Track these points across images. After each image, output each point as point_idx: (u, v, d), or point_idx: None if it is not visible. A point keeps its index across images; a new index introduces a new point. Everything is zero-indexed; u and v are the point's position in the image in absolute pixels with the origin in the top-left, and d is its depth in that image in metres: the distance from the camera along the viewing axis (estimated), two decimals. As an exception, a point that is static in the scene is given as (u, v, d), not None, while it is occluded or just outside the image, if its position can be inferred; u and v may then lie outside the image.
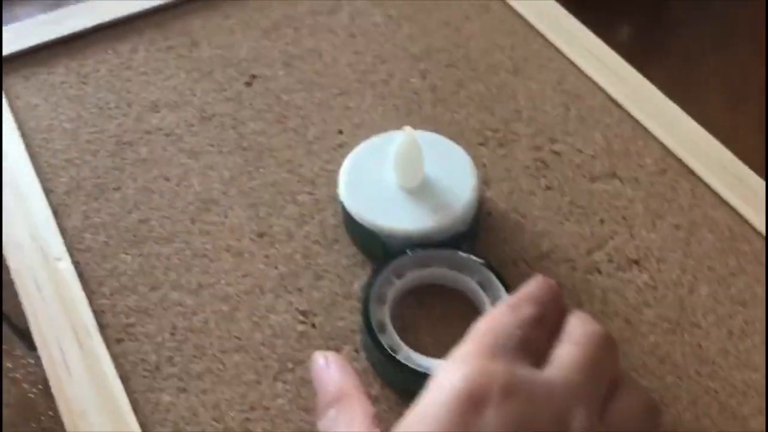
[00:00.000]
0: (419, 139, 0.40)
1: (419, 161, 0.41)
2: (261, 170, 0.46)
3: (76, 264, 0.42)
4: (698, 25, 0.58)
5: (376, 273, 0.39)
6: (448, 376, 0.26)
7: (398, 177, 0.41)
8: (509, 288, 0.38)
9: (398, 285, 0.39)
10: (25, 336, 0.40)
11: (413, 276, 0.40)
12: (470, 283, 0.39)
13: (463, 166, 0.42)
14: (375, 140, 0.44)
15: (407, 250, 0.39)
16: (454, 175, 0.42)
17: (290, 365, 0.38)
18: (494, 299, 0.39)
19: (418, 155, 0.40)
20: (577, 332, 0.28)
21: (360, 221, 0.40)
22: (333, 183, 0.46)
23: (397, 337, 0.37)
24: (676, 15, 0.60)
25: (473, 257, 0.39)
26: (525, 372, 0.26)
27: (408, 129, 0.40)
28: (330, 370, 0.31)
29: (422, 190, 0.41)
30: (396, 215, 0.40)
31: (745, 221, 0.44)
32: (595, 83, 0.51)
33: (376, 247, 0.41)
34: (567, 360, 0.27)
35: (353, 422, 0.28)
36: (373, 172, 0.42)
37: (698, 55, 0.55)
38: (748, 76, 0.53)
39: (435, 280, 0.40)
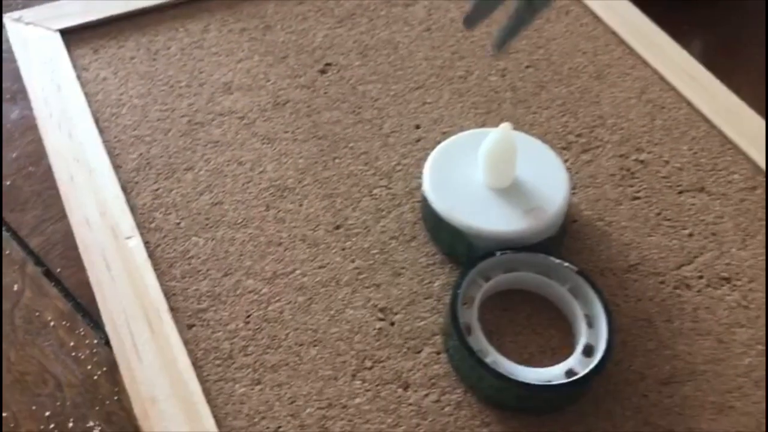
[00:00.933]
0: (515, 138, 0.38)
1: (512, 161, 0.39)
2: (336, 160, 0.45)
3: (146, 244, 0.40)
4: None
5: (463, 275, 0.37)
6: None
7: (488, 176, 0.39)
8: (602, 296, 0.37)
9: (485, 288, 0.37)
10: (88, 313, 0.39)
11: (501, 279, 0.38)
12: (560, 290, 0.38)
13: (555, 170, 0.40)
14: (461, 136, 0.42)
15: (496, 252, 0.37)
16: (546, 177, 0.40)
17: (369, 363, 0.37)
18: (586, 308, 0.37)
19: (512, 155, 0.39)
20: None
21: (446, 219, 0.39)
22: (409, 178, 0.44)
23: (485, 341, 0.35)
24: (757, 28, 0.58)
25: (566, 263, 0.37)
26: None
27: (504, 125, 0.38)
28: None
29: (512, 191, 0.39)
30: (485, 215, 0.38)
31: (840, 245, 0.43)
32: (680, 94, 0.50)
33: (460, 247, 0.39)
34: None
35: None
36: (459, 169, 0.40)
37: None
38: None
39: (523, 284, 0.38)
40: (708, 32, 0.59)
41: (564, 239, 0.42)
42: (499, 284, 0.38)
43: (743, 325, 0.39)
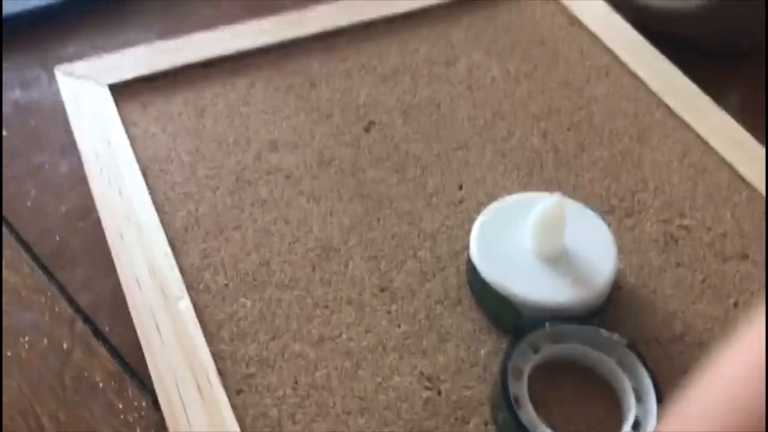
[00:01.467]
0: (566, 206, 0.39)
1: (562, 230, 0.39)
2: (381, 221, 0.45)
3: (195, 305, 0.40)
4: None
5: (512, 345, 0.37)
6: None
7: (536, 244, 0.40)
8: (650, 370, 0.36)
9: (534, 359, 0.37)
10: (136, 375, 0.39)
11: (549, 351, 0.38)
12: (608, 363, 0.38)
13: (603, 238, 0.41)
14: (507, 201, 0.43)
15: (546, 324, 0.38)
16: (594, 246, 0.40)
17: (416, 433, 0.37)
18: (635, 381, 0.37)
19: (561, 224, 0.39)
20: None
21: (494, 286, 0.39)
22: (454, 239, 0.45)
23: (534, 414, 0.35)
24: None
25: (615, 336, 0.37)
26: None
27: (557, 196, 0.38)
28: None
29: (560, 260, 0.39)
30: (533, 284, 0.39)
31: None
32: (722, 158, 0.50)
33: (507, 315, 0.39)
34: None
35: None
36: (506, 235, 0.41)
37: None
38: None
39: (572, 356, 0.38)
40: (746, 93, 0.59)
41: (609, 308, 0.42)
42: (548, 355, 0.38)
43: (792, 400, 0.39)
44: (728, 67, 0.60)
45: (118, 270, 0.42)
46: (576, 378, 0.38)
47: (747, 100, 0.60)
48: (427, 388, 0.38)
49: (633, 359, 0.37)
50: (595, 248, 0.40)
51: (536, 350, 0.37)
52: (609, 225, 0.42)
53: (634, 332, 0.41)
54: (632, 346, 0.37)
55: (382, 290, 0.42)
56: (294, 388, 0.38)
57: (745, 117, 0.55)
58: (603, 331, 0.38)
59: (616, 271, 0.39)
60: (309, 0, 0.58)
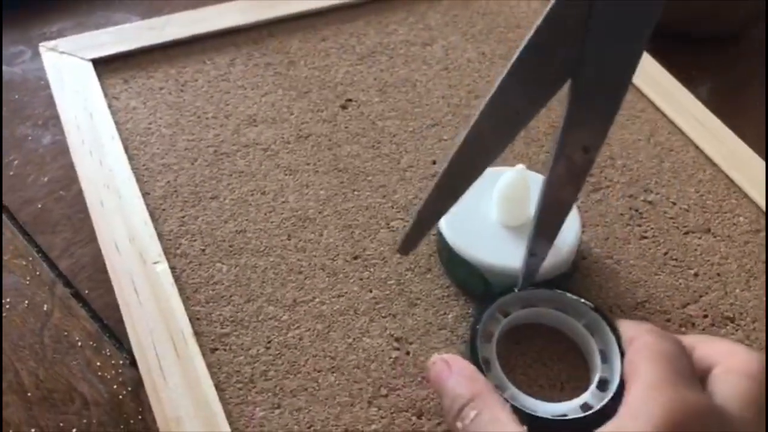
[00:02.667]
0: (529, 177, 0.40)
1: (526, 200, 0.41)
2: (356, 192, 0.46)
3: (173, 269, 0.42)
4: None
5: (482, 310, 0.38)
6: (646, 403, 0.26)
7: (502, 214, 0.41)
8: (616, 331, 0.38)
9: (504, 323, 0.39)
10: (114, 335, 0.40)
11: (519, 315, 0.39)
12: (576, 326, 0.39)
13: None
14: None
15: (515, 288, 0.39)
16: None
17: (384, 391, 0.38)
18: (601, 343, 0.38)
19: (525, 194, 0.40)
20: (737, 363, 0.28)
21: (461, 255, 0.40)
22: (426, 212, 0.46)
23: (503, 376, 0.37)
24: (760, 77, 0.61)
25: (583, 300, 0.39)
26: (707, 401, 0.26)
27: (520, 167, 0.40)
28: (454, 372, 0.31)
29: (525, 230, 0.41)
30: (498, 252, 0.40)
31: (841, 289, 0.44)
32: (688, 138, 0.51)
33: (475, 283, 0.41)
34: (737, 394, 0.26)
35: (498, 420, 0.28)
36: (474, 207, 0.42)
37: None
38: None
39: (540, 319, 0.40)
40: (715, 76, 0.61)
41: (574, 275, 0.43)
42: (518, 319, 0.40)
43: (746, 364, 0.40)
44: (699, 52, 0.62)
45: (98, 236, 0.43)
46: (544, 340, 0.40)
47: (716, 83, 0.61)
48: (396, 349, 0.40)
49: (600, 322, 0.38)
50: None
51: (506, 314, 0.39)
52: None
53: (598, 299, 0.43)
54: (598, 309, 0.39)
55: (355, 258, 0.43)
56: (267, 347, 0.39)
57: (713, 99, 0.57)
58: (570, 295, 0.39)
59: (579, 239, 0.41)
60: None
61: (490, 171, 0.44)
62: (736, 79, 0.62)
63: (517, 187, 0.40)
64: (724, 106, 0.56)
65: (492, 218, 0.41)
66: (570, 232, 0.41)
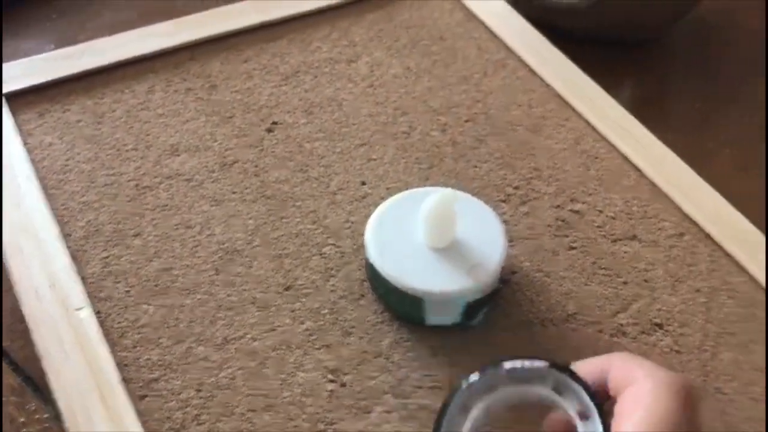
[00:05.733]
0: (455, 199, 0.40)
1: (451, 222, 0.41)
2: (284, 220, 0.46)
3: (97, 314, 0.40)
4: (704, 91, 0.60)
5: (439, 418, 0.33)
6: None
7: (428, 236, 0.41)
8: (583, 383, 0.35)
9: (470, 420, 0.34)
10: (38, 388, 0.39)
11: (481, 406, 0.35)
12: (544, 392, 0.35)
13: (492, 225, 0.42)
14: (399, 197, 0.44)
15: (462, 382, 0.35)
16: (483, 235, 0.42)
17: (321, 426, 0.38)
18: (576, 401, 0.35)
19: (450, 216, 0.40)
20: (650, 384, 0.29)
21: (391, 281, 0.40)
22: (357, 235, 0.46)
23: None
24: (683, 80, 0.62)
25: (536, 364, 0.35)
26: None
27: (447, 190, 0.40)
28: None
29: (452, 251, 0.41)
30: (426, 275, 0.40)
31: (763, 289, 0.45)
32: (612, 145, 0.52)
33: (408, 307, 0.41)
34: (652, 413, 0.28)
35: None
36: (400, 231, 0.42)
37: (705, 119, 0.57)
38: (754, 142, 0.55)
39: (507, 402, 0.37)
40: (637, 81, 0.62)
41: (505, 291, 0.43)
42: (481, 411, 0.36)
43: (675, 369, 0.41)
44: (620, 58, 0.63)
45: (17, 284, 0.41)
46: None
47: (638, 89, 0.63)
48: (332, 381, 0.39)
49: (563, 378, 0.35)
50: (485, 237, 0.41)
51: (467, 410, 0.33)
52: (499, 214, 0.43)
53: (530, 314, 0.43)
54: (555, 364, 0.35)
55: (287, 288, 0.43)
56: (198, 390, 0.38)
57: (636, 105, 0.58)
58: (525, 363, 0.35)
59: (505, 257, 0.41)
60: (209, 3, 0.58)
61: (415, 193, 0.44)
62: (657, 82, 0.63)
63: (442, 210, 0.40)
64: (647, 110, 0.57)
65: (419, 241, 0.41)
66: (495, 250, 0.41)
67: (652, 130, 0.53)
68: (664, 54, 0.64)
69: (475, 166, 0.50)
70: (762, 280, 0.45)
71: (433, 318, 0.41)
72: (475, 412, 0.33)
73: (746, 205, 0.50)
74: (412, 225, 0.41)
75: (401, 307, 0.41)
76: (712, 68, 0.64)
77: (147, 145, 0.49)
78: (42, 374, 0.38)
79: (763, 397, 0.41)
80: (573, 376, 0.33)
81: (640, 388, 0.29)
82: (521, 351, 0.41)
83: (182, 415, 0.37)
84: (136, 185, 0.47)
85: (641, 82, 0.63)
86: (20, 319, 0.40)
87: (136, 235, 0.44)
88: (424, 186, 0.47)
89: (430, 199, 0.40)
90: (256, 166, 0.48)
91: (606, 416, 0.32)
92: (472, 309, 0.41)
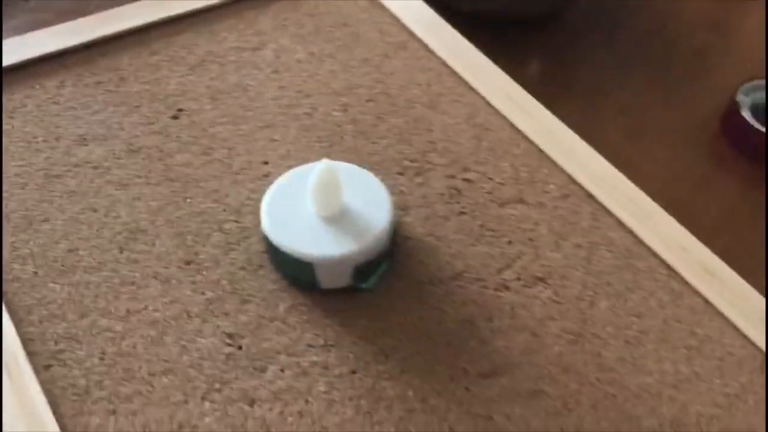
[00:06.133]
0: (338, 169, 0.43)
1: (337, 190, 0.43)
2: (188, 200, 0.48)
3: (5, 293, 0.42)
4: (602, 64, 0.63)
5: None
6: None
7: (316, 205, 0.44)
8: None
9: None
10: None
11: None
12: None
13: (378, 194, 0.45)
14: (294, 172, 0.46)
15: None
16: (370, 202, 0.44)
17: (217, 386, 0.40)
18: None
19: (336, 185, 0.43)
20: None
21: (284, 250, 0.43)
22: (258, 211, 0.48)
23: None
24: (582, 54, 0.65)
25: None
26: None
27: (325, 161, 0.42)
28: None
29: (341, 218, 0.44)
30: (317, 242, 0.42)
31: (641, 242, 0.49)
32: (503, 117, 0.55)
33: (302, 274, 0.43)
34: None
35: None
36: (292, 203, 0.44)
37: (600, 89, 0.60)
38: (646, 111, 0.59)
39: None
40: (541, 59, 0.66)
41: (397, 255, 0.46)
42: None
43: (554, 319, 0.45)
44: (522, 37, 0.66)
45: (-73, 270, 0.43)
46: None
47: (539, 65, 0.66)
48: (229, 345, 0.42)
49: None
50: (372, 204, 0.44)
51: None
52: (395, 185, 0.46)
53: (419, 274, 0.46)
54: None
55: (188, 263, 0.45)
56: (101, 358, 0.41)
57: (536, 81, 0.61)
58: None
59: (390, 223, 0.44)
60: (122, 2, 0.60)
61: (308, 167, 0.46)
62: (558, 58, 0.66)
63: (326, 178, 0.42)
64: (546, 85, 0.60)
65: (310, 211, 0.44)
66: (382, 215, 0.44)
67: (550, 103, 0.56)
68: (566, 30, 0.68)
69: (374, 143, 0.53)
70: (640, 233, 0.49)
71: (325, 282, 0.44)
72: None
73: (633, 171, 0.53)
74: (304, 197, 0.44)
75: (295, 274, 0.44)
76: (609, 42, 0.67)
77: (56, 136, 0.51)
78: (-49, 353, 0.40)
79: (636, 340, 0.44)
80: None
81: None
82: (410, 309, 0.44)
83: (85, 381, 0.40)
84: (45, 174, 0.49)
85: (543, 59, 0.66)
86: (-70, 303, 0.42)
87: (44, 221, 0.46)
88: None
89: (315, 170, 0.43)
90: (161, 151, 0.51)
91: None
92: (361, 272, 0.43)
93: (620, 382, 0.42)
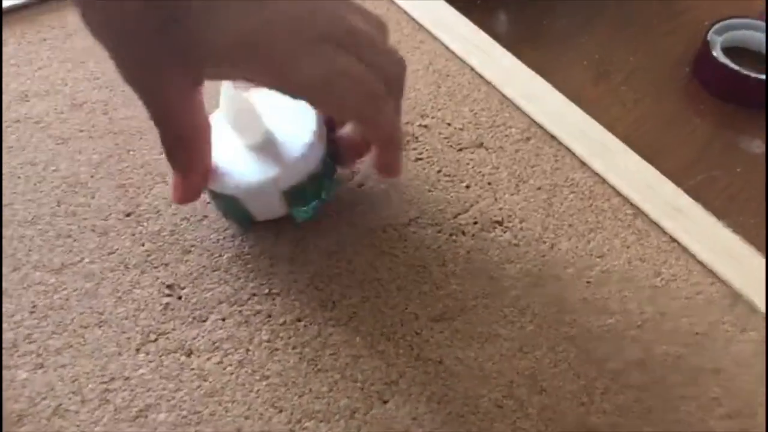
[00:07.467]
0: (257, 98, 0.40)
1: (252, 115, 0.40)
2: (131, 153, 0.46)
3: (-67, 249, 0.41)
4: (567, 9, 0.61)
5: None
6: None
7: (237, 132, 0.40)
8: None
9: None
10: None
11: None
12: None
13: (306, 118, 0.40)
14: (216, 112, 0.43)
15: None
16: (297, 126, 0.40)
17: (153, 336, 0.38)
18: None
19: (248, 110, 0.39)
20: None
21: (211, 188, 0.40)
22: (205, 163, 0.46)
23: None
24: (546, 2, 0.63)
25: None
26: None
27: (226, 84, 0.39)
28: None
29: (264, 145, 0.40)
30: (238, 173, 0.39)
31: (605, 181, 0.46)
32: (464, 62, 0.53)
33: (235, 211, 0.41)
34: None
35: None
36: (222, 139, 0.41)
37: (567, 36, 0.58)
38: (613, 55, 0.56)
39: None
40: (503, 6, 0.63)
41: (350, 201, 0.44)
42: None
43: (513, 261, 0.42)
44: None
45: None
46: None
47: (508, 15, 0.63)
48: (168, 295, 0.40)
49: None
50: (299, 127, 0.40)
51: None
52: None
53: (372, 221, 0.44)
54: None
55: (128, 215, 0.43)
56: (32, 312, 0.39)
57: (504, 30, 0.59)
58: None
59: (314, 143, 0.40)
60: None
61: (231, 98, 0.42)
62: (520, 5, 0.64)
63: (237, 104, 0.39)
64: (508, 33, 0.58)
65: (237, 143, 0.41)
66: (304, 135, 0.40)
67: (513, 51, 0.54)
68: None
69: (328, 92, 0.51)
70: (603, 173, 0.46)
71: (258, 214, 0.41)
72: None
73: (599, 113, 0.51)
74: (229, 132, 0.41)
75: (229, 210, 0.42)
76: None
77: (-3, 93, 0.49)
78: None
79: (598, 281, 0.42)
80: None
81: None
82: (360, 256, 0.42)
83: (13, 335, 0.38)
84: (-17, 131, 0.47)
85: (506, 6, 0.63)
86: None
87: (-21, 177, 0.45)
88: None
89: (222, 97, 0.39)
90: (106, 105, 0.49)
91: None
92: (294, 199, 0.40)
93: (581, 324, 0.40)
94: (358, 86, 0.35)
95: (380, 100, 0.37)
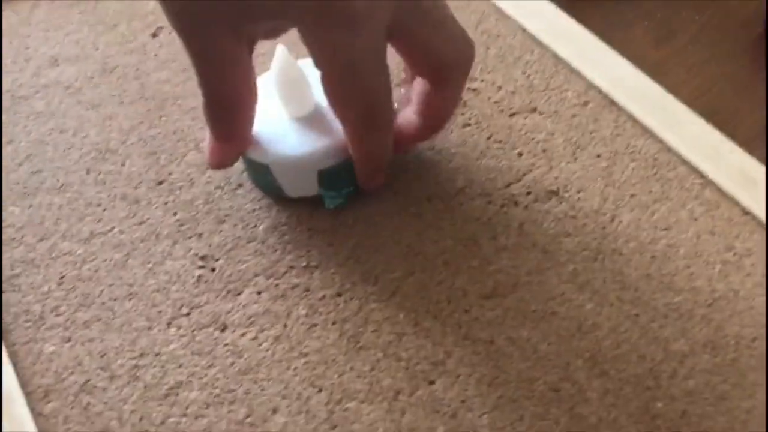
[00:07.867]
0: (302, 67, 0.37)
1: (302, 87, 0.37)
2: (163, 119, 0.44)
3: (-42, 218, 0.39)
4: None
5: None
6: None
7: (284, 104, 0.38)
8: None
9: None
10: None
11: None
12: None
13: None
14: (266, 75, 0.41)
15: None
16: None
17: (185, 310, 0.36)
18: None
19: (298, 81, 0.37)
20: None
21: (250, 157, 0.38)
22: (240, 129, 0.44)
23: None
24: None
25: None
26: None
27: (280, 47, 0.37)
28: None
29: (312, 118, 0.38)
30: (276, 142, 0.37)
31: (670, 149, 0.43)
32: (515, 22, 0.49)
33: (263, 180, 0.38)
34: None
35: None
36: (267, 107, 0.39)
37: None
38: (675, 13, 0.52)
39: None
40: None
41: (393, 171, 0.41)
42: None
43: (570, 234, 0.39)
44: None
45: None
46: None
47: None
48: (201, 267, 0.38)
49: None
50: None
51: None
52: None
53: (417, 190, 0.41)
54: None
55: (160, 183, 0.41)
56: (59, 283, 0.37)
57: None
58: None
59: None
60: None
61: (272, 71, 0.40)
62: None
63: (288, 74, 0.37)
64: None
65: (282, 114, 0.38)
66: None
67: (573, 9, 0.50)
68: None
69: (370, 55, 0.48)
70: (669, 140, 0.43)
71: (288, 189, 0.39)
72: None
73: (662, 76, 0.47)
74: (273, 101, 0.39)
75: (260, 181, 0.39)
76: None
77: (26, 58, 0.47)
78: None
79: (663, 255, 0.38)
80: None
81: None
82: (404, 228, 0.39)
83: (41, 307, 0.36)
84: (12, 96, 0.45)
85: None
86: None
87: (7, 143, 0.43)
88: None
89: (273, 65, 0.37)
90: (137, 70, 0.47)
91: None
92: (326, 180, 0.38)
93: (645, 302, 0.37)
94: (377, 86, 0.33)
95: (386, 116, 0.35)
